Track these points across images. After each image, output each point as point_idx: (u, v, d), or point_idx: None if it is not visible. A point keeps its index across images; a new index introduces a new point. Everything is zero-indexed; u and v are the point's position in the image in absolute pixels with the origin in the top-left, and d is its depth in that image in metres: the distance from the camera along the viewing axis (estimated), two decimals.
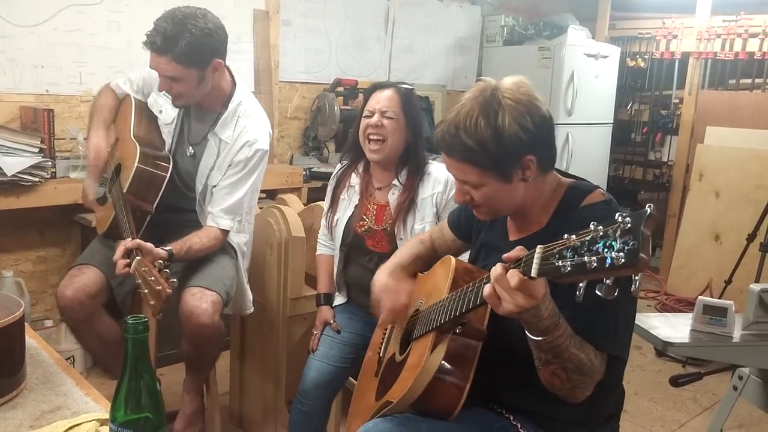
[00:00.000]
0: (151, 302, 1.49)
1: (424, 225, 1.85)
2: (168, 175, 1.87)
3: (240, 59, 3.31)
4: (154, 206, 1.85)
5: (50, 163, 2.52)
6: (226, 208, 1.90)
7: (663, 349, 2.00)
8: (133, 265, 1.55)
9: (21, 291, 2.63)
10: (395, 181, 1.90)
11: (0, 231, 2.71)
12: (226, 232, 1.91)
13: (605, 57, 4.26)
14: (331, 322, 1.95)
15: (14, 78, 2.67)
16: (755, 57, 4.02)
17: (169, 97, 1.88)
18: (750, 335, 2.00)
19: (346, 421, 1.63)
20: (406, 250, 1.61)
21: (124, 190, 1.80)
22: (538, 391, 1.20)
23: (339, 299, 2.03)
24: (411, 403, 1.23)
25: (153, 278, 1.50)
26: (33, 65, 2.71)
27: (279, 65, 3.50)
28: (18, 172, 2.38)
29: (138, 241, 1.61)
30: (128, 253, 1.60)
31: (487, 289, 1.01)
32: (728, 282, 3.31)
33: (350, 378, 2.00)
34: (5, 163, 2.36)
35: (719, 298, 2.79)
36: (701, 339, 1.99)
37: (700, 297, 2.09)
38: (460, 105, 1.19)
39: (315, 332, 1.96)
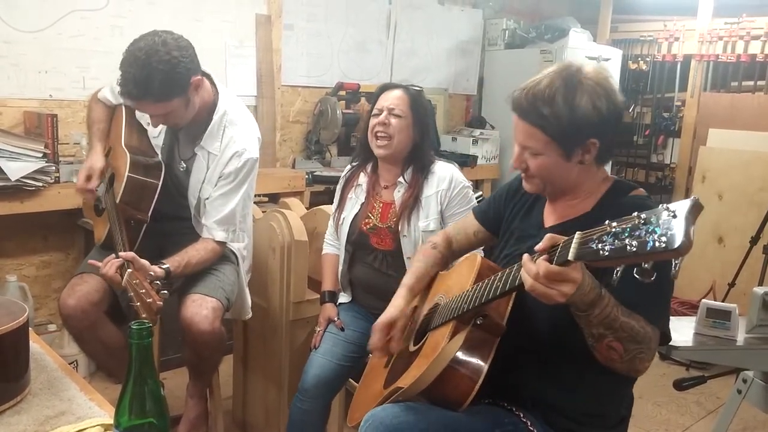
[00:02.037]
0: (143, 315, 1.49)
1: (429, 222, 1.86)
2: (160, 182, 1.85)
3: (242, 63, 3.32)
4: (149, 215, 1.84)
5: (54, 167, 2.53)
6: (219, 220, 1.89)
7: (667, 352, 2.00)
8: (124, 278, 1.55)
9: (25, 295, 2.64)
10: (400, 179, 1.92)
11: (4, 235, 2.72)
12: (222, 244, 1.91)
13: (607, 59, 4.25)
14: (335, 319, 1.95)
15: (18, 83, 2.68)
16: (757, 59, 4.00)
17: None
18: (754, 338, 2.00)
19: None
20: (418, 262, 1.58)
21: (117, 200, 1.79)
22: (555, 385, 1.22)
23: (344, 298, 2.04)
24: (421, 391, 1.22)
25: (144, 291, 1.50)
26: (37, 70, 2.72)
27: (281, 69, 3.51)
28: (22, 177, 2.39)
29: (133, 254, 1.60)
30: (121, 265, 1.59)
31: (528, 283, 1.02)
32: (731, 284, 3.31)
33: (351, 380, 1.99)
34: (9, 168, 2.37)
35: (722, 301, 2.78)
36: (705, 342, 1.98)
37: (703, 300, 2.08)
38: (542, 75, 1.23)
39: (318, 329, 1.95)
